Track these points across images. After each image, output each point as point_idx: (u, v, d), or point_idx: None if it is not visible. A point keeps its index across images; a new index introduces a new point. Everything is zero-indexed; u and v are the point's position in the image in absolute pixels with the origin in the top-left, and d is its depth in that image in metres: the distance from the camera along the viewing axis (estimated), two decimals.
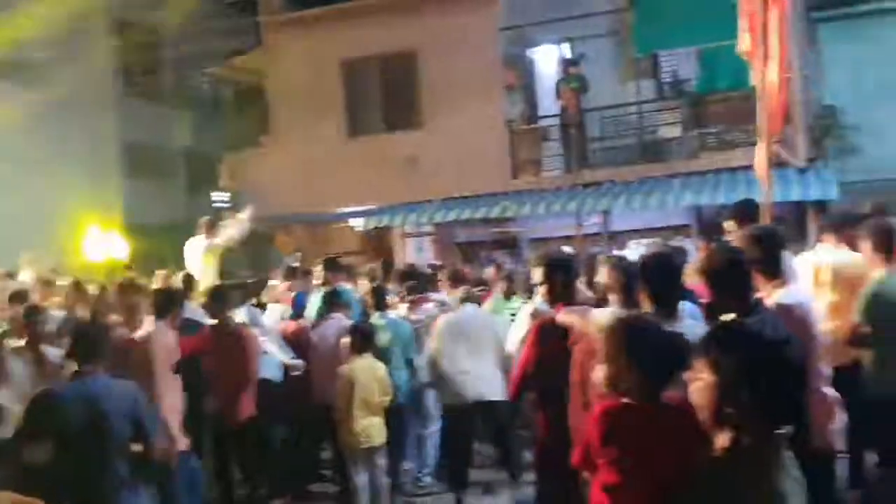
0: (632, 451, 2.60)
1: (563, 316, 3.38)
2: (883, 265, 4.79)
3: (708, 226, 12.97)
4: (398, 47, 15.62)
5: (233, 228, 9.44)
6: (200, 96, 21.71)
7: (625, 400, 2.70)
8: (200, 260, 9.20)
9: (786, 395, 2.06)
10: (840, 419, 3.82)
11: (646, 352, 2.66)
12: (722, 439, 2.10)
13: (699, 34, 11.88)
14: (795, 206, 12.64)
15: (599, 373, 2.73)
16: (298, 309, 8.23)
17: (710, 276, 3.66)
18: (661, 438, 2.56)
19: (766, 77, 4.88)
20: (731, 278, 3.56)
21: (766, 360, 2.07)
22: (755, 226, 4.29)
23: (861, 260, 5.12)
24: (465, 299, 6.99)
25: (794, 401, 2.07)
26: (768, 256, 3.82)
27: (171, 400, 5.77)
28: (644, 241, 12.48)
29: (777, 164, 13.60)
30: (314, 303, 7.94)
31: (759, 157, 5.28)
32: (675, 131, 14.96)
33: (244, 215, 9.58)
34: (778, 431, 2.09)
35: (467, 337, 6.68)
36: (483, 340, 6.65)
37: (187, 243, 9.51)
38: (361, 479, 6.43)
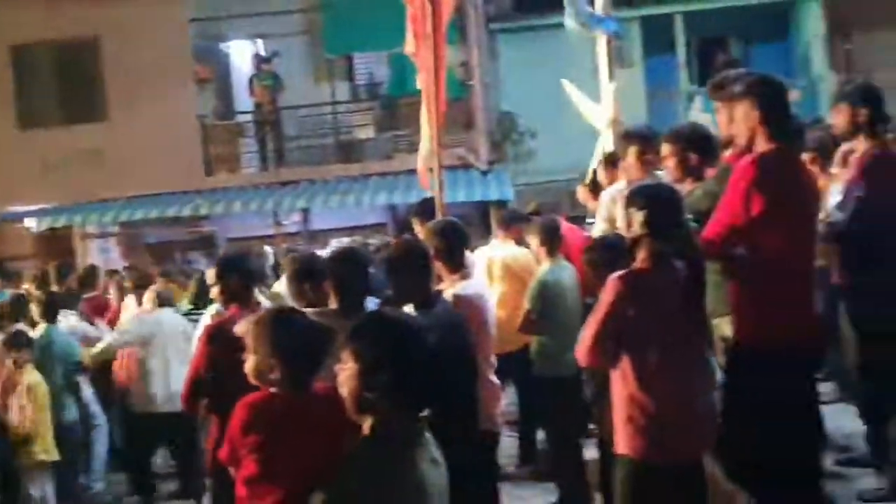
0: (274, 441, 2.63)
1: (239, 326, 3.35)
2: (547, 259, 5.27)
3: (402, 224, 13.45)
4: (76, 33, 14.49)
5: None
6: None
7: (272, 390, 2.72)
8: None
9: (425, 381, 2.16)
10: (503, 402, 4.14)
11: (289, 342, 2.69)
12: (365, 426, 2.16)
13: (384, 39, 12.23)
14: (480, 205, 13.46)
15: (249, 364, 2.74)
16: None
17: (389, 269, 3.79)
18: (308, 428, 2.60)
19: (428, 80, 5.12)
20: (409, 270, 3.71)
21: (404, 346, 2.16)
22: (437, 220, 4.50)
23: (527, 254, 5.63)
24: (160, 303, 6.64)
25: (434, 385, 2.18)
26: (449, 249, 4.02)
27: None
28: (345, 239, 12.66)
29: (463, 166, 14.57)
30: None
31: (422, 157, 5.54)
32: (369, 132, 15.35)
33: None
34: (419, 415, 2.18)
35: (160, 342, 6.40)
36: (174, 345, 6.38)
37: None
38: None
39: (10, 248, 14.65)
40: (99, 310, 7.86)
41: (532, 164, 15.23)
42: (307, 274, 3.91)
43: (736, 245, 3.41)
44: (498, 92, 15.59)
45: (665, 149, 4.14)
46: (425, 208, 5.20)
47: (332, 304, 3.67)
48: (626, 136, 4.82)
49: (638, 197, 3.29)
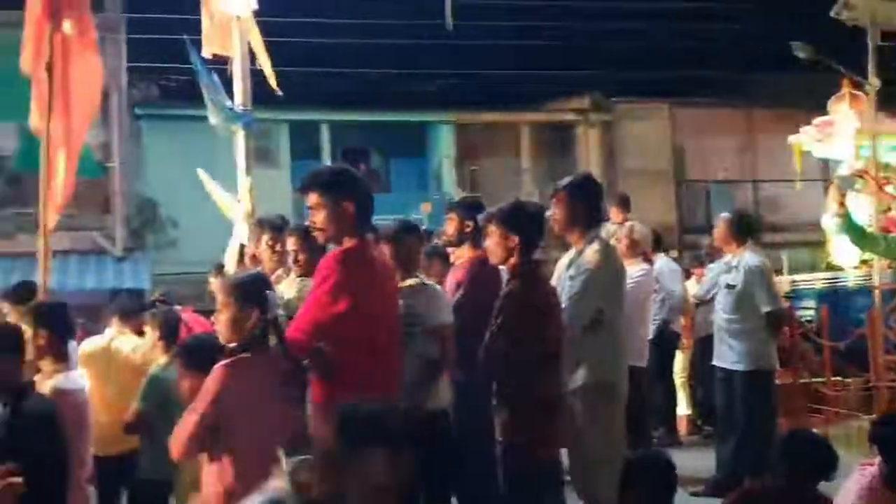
0: None
1: None
2: (164, 353, 5.03)
3: None
4: None
5: None
6: None
7: None
8: None
9: None
10: None
11: None
12: None
13: (10, 109, 11.33)
14: (114, 294, 12.68)
15: None
16: None
17: None
18: None
19: (52, 156, 4.83)
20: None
21: None
22: (41, 301, 4.16)
23: (142, 344, 5.32)
24: None
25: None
26: (53, 335, 3.72)
27: None
28: None
29: (97, 251, 13.74)
30: None
31: (39, 238, 5.15)
32: None
33: None
34: None
35: None
36: None
37: None
38: None
39: None
40: None
41: (173, 253, 14.78)
42: None
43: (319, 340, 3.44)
44: (140, 178, 15.05)
45: (292, 242, 4.28)
46: (21, 291, 4.78)
47: None
48: (259, 224, 4.91)
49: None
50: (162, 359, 5.02)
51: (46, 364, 3.70)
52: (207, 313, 7.10)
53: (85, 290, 11.27)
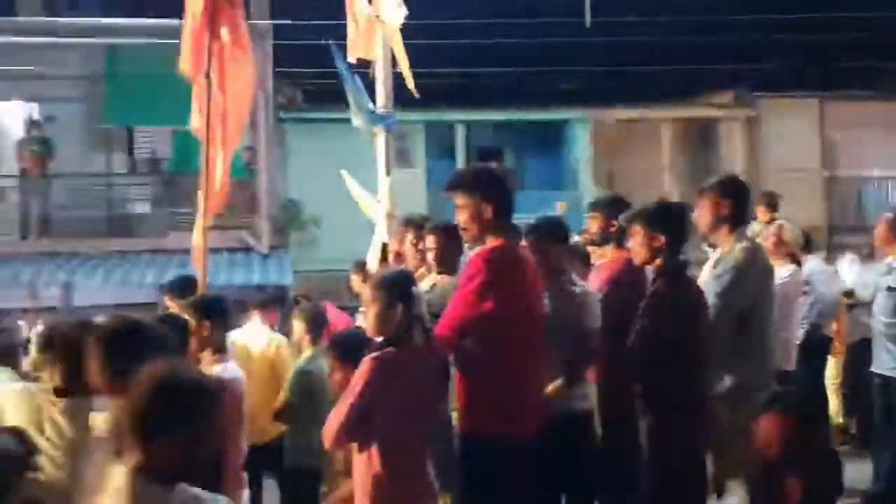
0: None
1: None
2: (310, 346, 5.22)
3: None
4: None
5: None
6: None
7: None
8: None
9: None
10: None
11: None
12: None
13: (168, 114, 12.00)
14: (259, 289, 13.21)
15: None
16: None
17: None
18: None
19: (211, 157, 5.09)
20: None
21: None
22: (202, 295, 4.39)
23: (275, 338, 5.53)
24: None
25: None
26: (211, 328, 3.91)
27: None
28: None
29: (244, 248, 14.36)
30: None
31: (197, 236, 5.42)
32: (146, 207, 14.82)
33: None
34: None
35: None
36: None
37: None
38: None
39: None
40: None
41: (315, 251, 15.27)
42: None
43: (464, 338, 3.51)
44: (284, 179, 15.64)
45: (430, 241, 4.33)
46: (182, 286, 5.05)
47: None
48: (404, 223, 5.01)
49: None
50: (307, 352, 5.22)
51: (207, 355, 3.90)
52: (344, 310, 7.33)
53: (233, 285, 11.78)
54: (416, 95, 5.91)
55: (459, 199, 3.62)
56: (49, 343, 3.42)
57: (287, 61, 14.87)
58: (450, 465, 3.61)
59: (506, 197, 3.65)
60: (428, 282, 4.53)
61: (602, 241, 4.72)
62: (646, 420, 3.88)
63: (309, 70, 14.93)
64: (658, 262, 3.92)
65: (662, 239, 3.88)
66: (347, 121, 6.22)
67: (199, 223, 5.19)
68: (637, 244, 3.98)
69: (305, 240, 15.63)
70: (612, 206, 4.71)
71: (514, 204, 3.68)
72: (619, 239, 4.50)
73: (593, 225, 4.74)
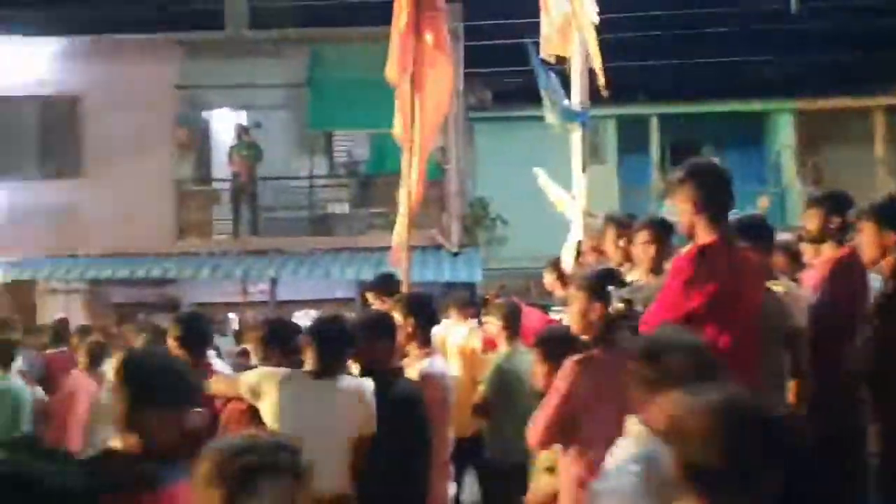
0: None
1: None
2: (507, 343, 5.23)
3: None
4: (60, 90, 14.62)
5: None
6: None
7: None
8: None
9: None
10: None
11: None
12: None
13: (367, 118, 12.46)
14: (448, 287, 13.48)
15: None
16: None
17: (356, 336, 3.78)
18: None
19: (411, 161, 5.22)
20: (375, 338, 3.71)
21: None
22: (411, 292, 4.50)
23: (468, 333, 5.56)
24: None
25: None
26: (419, 324, 4.01)
27: None
28: (312, 312, 12.64)
29: (434, 246, 14.69)
30: None
31: (398, 236, 5.57)
32: (345, 208, 15.46)
33: None
34: None
35: None
36: None
37: None
38: None
39: None
40: (64, 365, 7.50)
41: (503, 249, 15.39)
42: (276, 338, 3.90)
43: None
44: (473, 178, 15.85)
45: (643, 236, 4.22)
46: (385, 284, 5.20)
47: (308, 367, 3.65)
48: (606, 220, 4.93)
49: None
50: (504, 348, 5.24)
51: (413, 349, 4.00)
52: (534, 307, 7.30)
53: (425, 282, 12.06)
54: (605, 93, 5.81)
55: (678, 196, 3.51)
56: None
57: (477, 61, 15.06)
58: None
59: (713, 192, 3.48)
60: (631, 276, 4.42)
61: (821, 238, 4.42)
62: (875, 427, 3.61)
63: (498, 70, 15.06)
64: (890, 260, 3.63)
65: (894, 236, 3.60)
66: (534, 119, 6.20)
67: (402, 222, 5.34)
68: (866, 241, 3.72)
69: (494, 238, 15.78)
70: (831, 201, 4.40)
71: (728, 194, 3.49)
72: (840, 236, 4.21)
73: (812, 222, 4.45)
